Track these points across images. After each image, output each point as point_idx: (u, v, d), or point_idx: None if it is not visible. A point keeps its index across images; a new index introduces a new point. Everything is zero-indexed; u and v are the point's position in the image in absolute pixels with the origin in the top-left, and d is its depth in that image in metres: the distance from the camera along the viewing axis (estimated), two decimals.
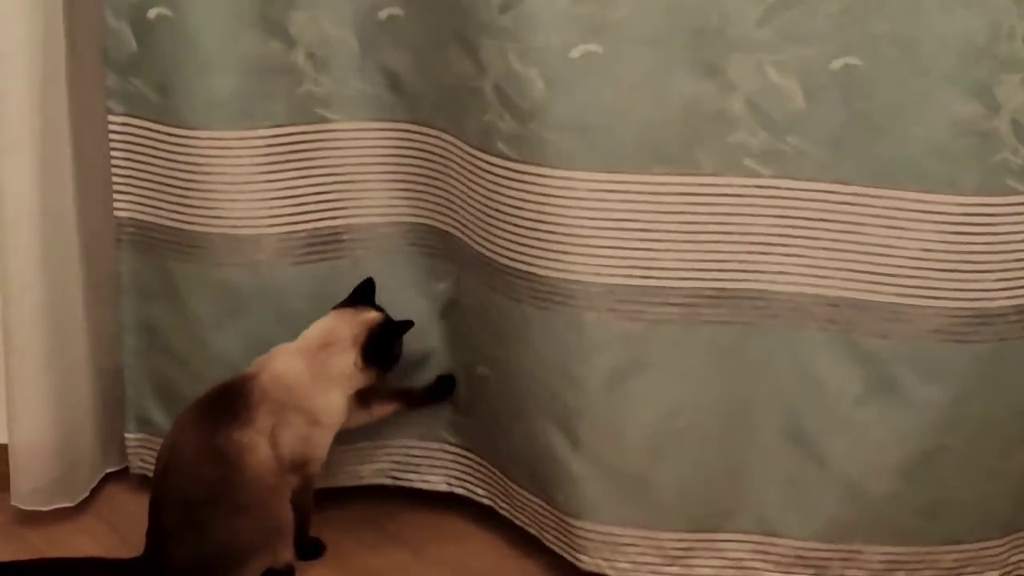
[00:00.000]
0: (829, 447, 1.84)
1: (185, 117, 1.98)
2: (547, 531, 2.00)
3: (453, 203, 1.93)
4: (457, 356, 2.05)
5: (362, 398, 1.99)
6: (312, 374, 1.95)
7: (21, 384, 2.07)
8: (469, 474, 2.10)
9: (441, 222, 1.98)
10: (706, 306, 1.82)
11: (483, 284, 1.92)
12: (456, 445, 2.10)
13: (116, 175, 2.07)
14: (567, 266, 1.83)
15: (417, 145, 1.96)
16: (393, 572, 2.06)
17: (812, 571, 1.90)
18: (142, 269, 2.10)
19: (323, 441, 1.97)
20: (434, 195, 1.96)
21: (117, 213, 2.09)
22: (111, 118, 2.05)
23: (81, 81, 2.03)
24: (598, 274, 1.83)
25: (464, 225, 1.92)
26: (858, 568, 1.90)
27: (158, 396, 2.17)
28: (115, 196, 2.08)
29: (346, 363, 1.95)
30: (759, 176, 1.76)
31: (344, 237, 2.05)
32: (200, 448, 1.90)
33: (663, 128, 1.76)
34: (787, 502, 1.88)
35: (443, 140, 1.92)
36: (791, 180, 1.76)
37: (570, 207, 1.81)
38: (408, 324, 1.98)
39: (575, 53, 1.75)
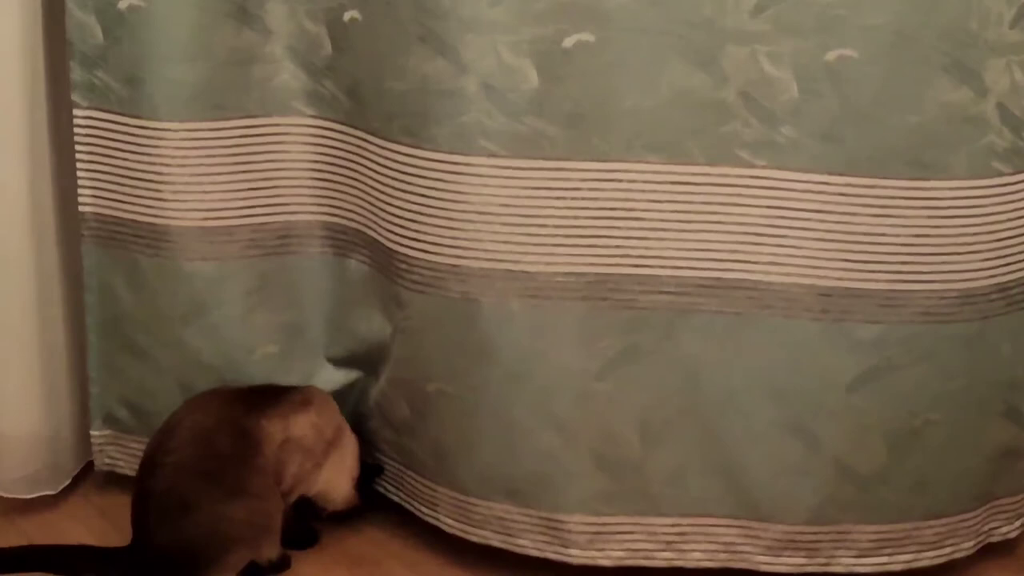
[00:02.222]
0: (822, 433, 1.85)
1: (156, 109, 1.95)
2: (520, 536, 1.97)
3: (425, 211, 1.87)
4: (401, 376, 2.01)
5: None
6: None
7: (8, 374, 2.07)
8: (412, 495, 2.07)
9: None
10: (698, 295, 1.82)
11: (454, 292, 1.87)
12: (399, 463, 2.08)
13: (81, 170, 2.04)
14: (558, 258, 1.82)
15: (370, 155, 1.92)
16: (388, 561, 2.05)
17: (803, 554, 1.92)
18: (107, 265, 2.07)
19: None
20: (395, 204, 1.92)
21: (81, 209, 2.06)
22: (76, 112, 2.01)
23: (57, 75, 2.01)
24: (590, 263, 1.82)
25: (440, 231, 1.87)
26: (847, 548, 1.92)
27: (124, 393, 2.14)
28: (79, 191, 2.05)
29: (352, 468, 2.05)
30: (752, 167, 1.76)
31: (317, 232, 2.03)
32: (223, 421, 1.93)
33: (655, 118, 1.76)
34: (779, 488, 1.89)
35: (394, 151, 1.87)
36: (785, 171, 1.76)
37: (563, 198, 1.80)
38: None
39: (568, 43, 1.74)
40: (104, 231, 2.05)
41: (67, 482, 2.17)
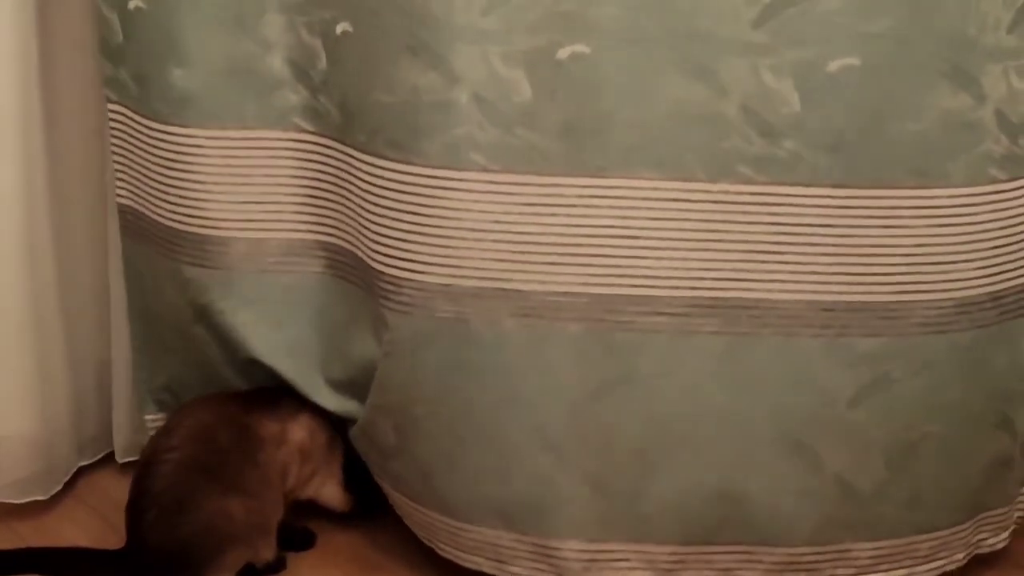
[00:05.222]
0: (824, 451, 1.81)
1: (158, 110, 1.96)
2: (513, 563, 1.92)
3: (413, 229, 1.81)
4: (385, 400, 1.95)
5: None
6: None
7: (3, 378, 2.08)
8: (405, 515, 2.04)
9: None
10: (699, 316, 1.77)
11: (444, 312, 1.82)
12: (388, 486, 2.04)
13: (116, 163, 2.08)
14: (553, 277, 1.77)
15: (355, 171, 1.87)
16: (385, 562, 2.05)
17: (803, 574, 1.89)
18: (136, 257, 2.11)
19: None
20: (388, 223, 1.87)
21: (118, 200, 2.10)
22: (109, 106, 2.05)
23: (50, 70, 2.03)
24: (586, 284, 1.77)
25: (429, 249, 1.81)
26: (846, 567, 1.89)
27: (164, 381, 2.17)
28: (116, 183, 2.09)
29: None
30: (754, 183, 1.72)
31: (314, 251, 1.98)
32: (224, 417, 1.95)
33: (652, 132, 1.71)
34: (782, 510, 1.84)
35: (380, 166, 1.82)
36: (787, 186, 1.71)
37: (557, 215, 1.76)
38: None
39: (562, 54, 1.70)
40: (132, 225, 2.08)
41: (61, 485, 2.17)
